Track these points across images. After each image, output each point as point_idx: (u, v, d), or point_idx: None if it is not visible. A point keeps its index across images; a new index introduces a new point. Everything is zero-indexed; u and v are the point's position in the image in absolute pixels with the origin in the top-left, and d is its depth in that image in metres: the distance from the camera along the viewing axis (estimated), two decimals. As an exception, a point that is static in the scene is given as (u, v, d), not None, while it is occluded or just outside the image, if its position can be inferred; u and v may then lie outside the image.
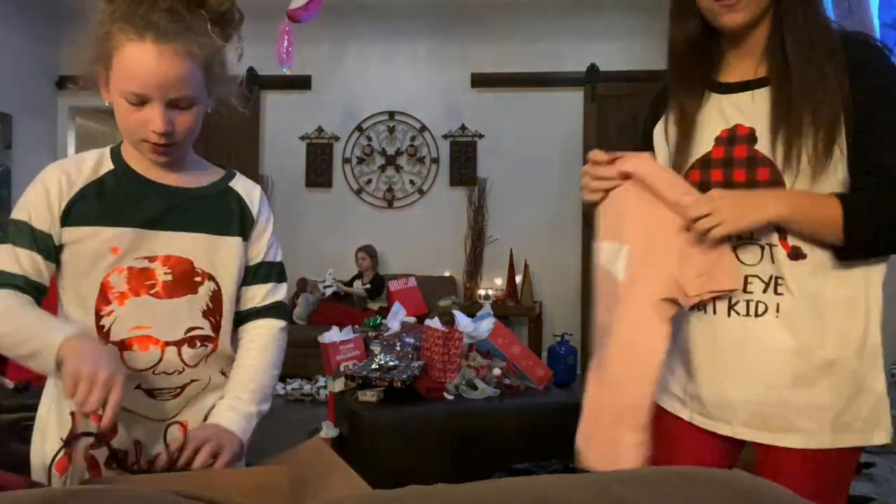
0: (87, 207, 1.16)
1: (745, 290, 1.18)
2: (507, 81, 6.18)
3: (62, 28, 6.37)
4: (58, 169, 1.18)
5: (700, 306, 1.21)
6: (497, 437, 2.84)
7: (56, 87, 6.42)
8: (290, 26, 4.60)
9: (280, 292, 1.31)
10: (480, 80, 6.23)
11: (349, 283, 5.93)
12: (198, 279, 1.21)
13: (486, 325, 3.28)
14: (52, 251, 1.16)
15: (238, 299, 1.28)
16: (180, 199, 1.21)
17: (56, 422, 1.20)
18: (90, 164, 1.19)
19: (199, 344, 1.21)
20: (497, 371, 3.08)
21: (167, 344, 1.18)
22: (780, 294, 1.16)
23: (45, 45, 6.29)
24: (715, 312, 1.21)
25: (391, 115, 6.37)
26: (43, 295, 1.17)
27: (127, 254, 1.16)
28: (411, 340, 3.12)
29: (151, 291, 1.17)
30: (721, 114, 1.21)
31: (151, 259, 1.17)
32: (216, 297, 1.22)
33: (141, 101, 1.10)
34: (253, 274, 1.28)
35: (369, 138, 6.39)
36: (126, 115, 1.12)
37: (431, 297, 5.68)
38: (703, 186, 1.18)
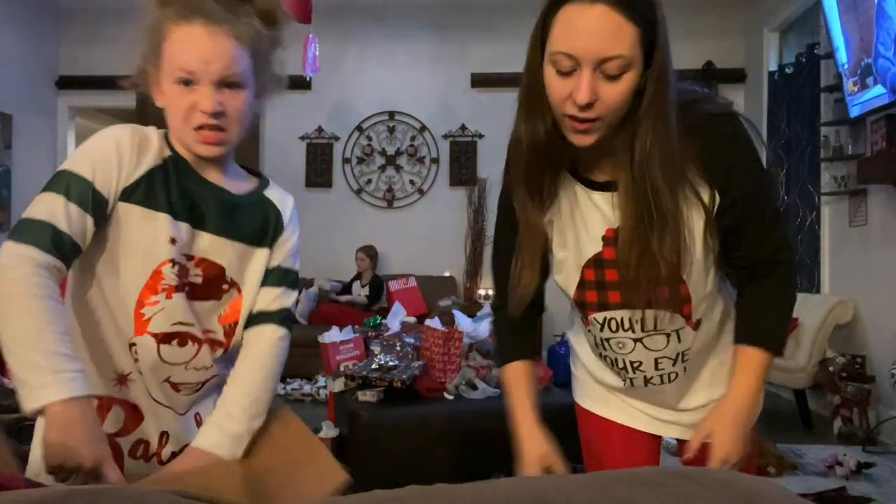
0: (154, 189, 1.13)
1: (656, 369, 1.27)
2: (507, 81, 6.17)
3: (62, 28, 6.37)
4: (131, 136, 1.13)
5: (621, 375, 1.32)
6: (497, 437, 2.82)
7: (56, 87, 6.43)
8: (313, 33, 4.61)
9: (288, 299, 1.28)
10: (480, 80, 6.23)
11: (348, 285, 5.93)
12: (225, 286, 1.20)
13: (486, 325, 3.27)
14: (101, 212, 1.09)
15: None
16: (226, 203, 1.19)
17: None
18: (156, 145, 1.15)
19: (216, 348, 1.21)
20: (497, 371, 3.08)
21: (203, 342, 1.19)
22: (687, 359, 1.27)
23: (45, 45, 6.29)
24: (633, 385, 1.31)
25: (391, 115, 6.37)
26: (72, 261, 1.08)
27: (180, 248, 1.13)
28: (411, 340, 3.12)
29: (185, 290, 1.16)
30: (599, 211, 1.19)
31: (189, 258, 1.16)
32: (235, 304, 1.22)
33: (190, 82, 1.09)
34: (267, 276, 1.25)
35: (369, 138, 6.39)
36: (177, 100, 1.10)
37: (431, 297, 5.68)
38: (600, 285, 1.21)
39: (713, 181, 1.14)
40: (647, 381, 1.29)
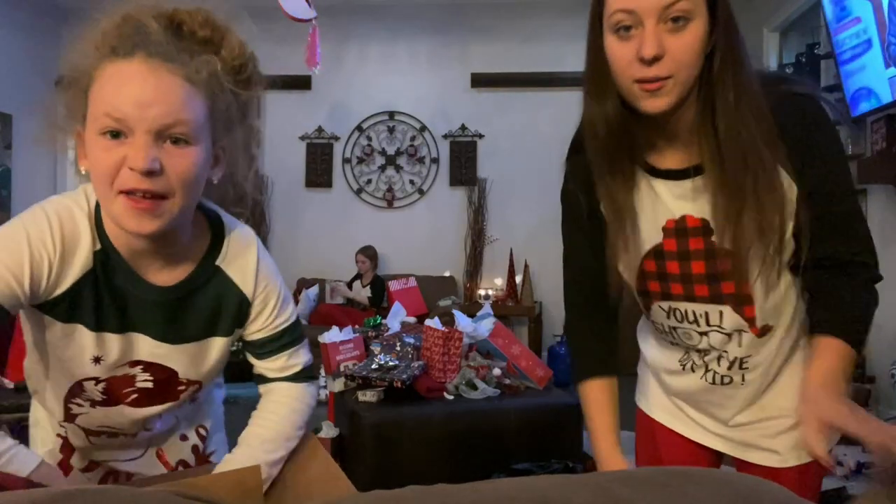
0: (79, 303, 0.96)
1: (717, 365, 1.20)
2: (507, 81, 6.18)
3: (62, 28, 6.37)
4: (54, 240, 0.93)
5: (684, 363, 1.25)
6: (497, 437, 2.84)
7: (56, 87, 6.42)
8: (317, 28, 4.61)
9: (301, 356, 1.13)
10: (480, 80, 6.23)
11: (349, 284, 5.93)
12: (181, 388, 1.08)
13: (486, 325, 3.27)
14: (13, 307, 0.92)
15: (252, 366, 1.14)
16: (168, 303, 1.00)
17: (48, 420, 1.16)
18: (86, 239, 0.95)
19: (166, 424, 1.16)
20: (497, 371, 3.08)
21: (135, 435, 1.13)
22: (746, 368, 1.19)
23: (45, 45, 6.29)
24: (693, 370, 1.23)
25: (391, 115, 6.37)
26: None
27: (108, 362, 1.01)
28: (411, 340, 3.12)
29: (128, 400, 1.05)
30: (662, 202, 1.13)
31: (133, 364, 1.02)
32: (196, 392, 1.12)
33: (119, 134, 0.86)
34: (259, 348, 1.11)
35: (369, 138, 6.39)
36: (100, 157, 0.86)
37: (431, 297, 5.68)
38: (661, 277, 1.16)
39: (793, 165, 1.05)
40: (706, 374, 1.21)
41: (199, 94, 0.88)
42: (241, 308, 1.05)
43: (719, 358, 1.19)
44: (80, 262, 0.94)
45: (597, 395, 1.23)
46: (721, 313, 1.14)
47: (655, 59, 0.97)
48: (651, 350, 1.32)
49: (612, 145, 1.10)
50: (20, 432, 2.22)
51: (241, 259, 1.05)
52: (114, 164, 0.86)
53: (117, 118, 0.85)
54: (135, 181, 0.85)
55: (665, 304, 1.18)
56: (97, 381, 1.01)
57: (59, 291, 0.93)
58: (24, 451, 0.94)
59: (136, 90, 0.84)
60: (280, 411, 1.10)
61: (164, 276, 1.00)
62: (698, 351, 1.20)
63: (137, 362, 1.02)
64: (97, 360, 0.99)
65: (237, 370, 1.33)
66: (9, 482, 0.89)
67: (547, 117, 6.14)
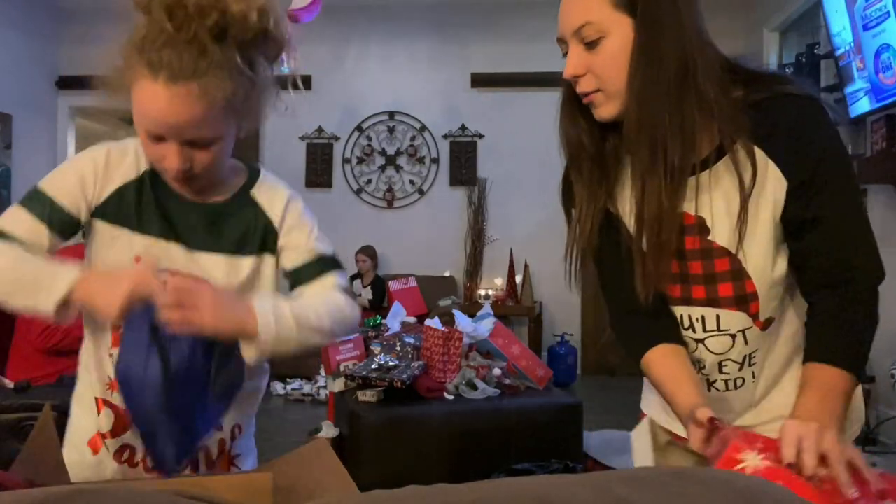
0: (119, 206, 1.11)
1: (720, 372, 1.16)
2: (507, 81, 6.18)
3: (62, 28, 6.37)
4: (103, 154, 1.12)
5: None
6: (497, 437, 2.84)
7: (56, 87, 6.43)
8: (293, 28, 4.59)
9: (343, 280, 1.20)
10: (480, 80, 6.23)
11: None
12: None
13: (486, 325, 3.28)
14: (66, 228, 1.09)
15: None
16: (204, 215, 1.15)
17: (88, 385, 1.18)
18: (131, 158, 1.13)
19: None
20: (497, 371, 3.08)
21: None
22: (755, 363, 1.15)
23: (45, 45, 6.29)
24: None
25: (391, 115, 6.37)
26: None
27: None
28: (411, 340, 3.12)
29: None
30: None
31: (173, 273, 1.10)
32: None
33: (157, 137, 1.04)
34: (297, 275, 1.19)
35: (369, 138, 6.39)
36: (147, 147, 1.07)
37: (431, 297, 5.67)
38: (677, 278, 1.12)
39: (781, 160, 1.02)
40: (710, 384, 1.17)
41: (216, 105, 1.01)
42: (266, 231, 1.18)
43: (720, 365, 1.15)
44: (126, 171, 1.12)
45: (662, 366, 1.11)
46: (718, 317, 1.11)
47: (578, 78, 1.06)
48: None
49: (589, 160, 1.15)
50: (20, 432, 2.22)
51: (273, 192, 1.20)
52: (157, 157, 1.06)
53: (152, 130, 1.03)
54: (173, 172, 1.06)
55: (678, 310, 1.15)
56: None
57: (107, 193, 1.11)
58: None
59: (163, 113, 1.00)
60: (315, 295, 1.16)
61: (203, 197, 1.16)
62: (696, 363, 1.16)
63: (176, 272, 1.10)
64: (138, 259, 1.11)
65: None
66: (9, 482, 0.89)
67: (547, 117, 6.10)
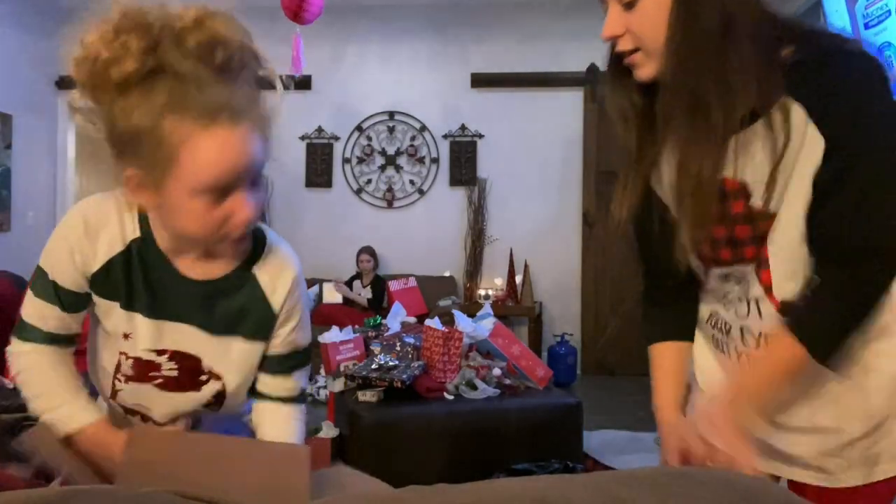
0: (112, 279, 1.08)
1: (742, 342, 1.12)
2: (507, 81, 6.18)
3: (62, 28, 6.36)
4: (82, 228, 1.06)
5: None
6: (497, 437, 2.84)
7: (56, 87, 6.42)
8: (300, 36, 4.61)
9: (299, 380, 1.20)
10: (480, 80, 6.23)
11: (349, 283, 5.93)
12: (203, 378, 1.14)
13: (486, 325, 3.27)
14: (79, 304, 1.11)
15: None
16: (200, 293, 1.10)
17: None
18: (115, 227, 1.07)
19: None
20: (497, 371, 3.08)
21: (164, 424, 1.18)
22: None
23: (45, 45, 6.29)
24: (727, 352, 1.17)
25: (391, 115, 6.37)
26: (75, 340, 1.15)
27: (137, 342, 1.11)
28: (411, 340, 3.12)
29: (155, 383, 1.13)
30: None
31: (160, 352, 1.12)
32: (220, 395, 1.16)
33: (223, 194, 0.95)
34: (275, 364, 1.18)
35: (369, 138, 6.39)
36: (203, 214, 0.96)
37: (431, 297, 5.68)
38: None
39: (819, 119, 0.95)
40: (730, 351, 1.15)
41: (262, 136, 0.99)
42: (265, 316, 1.13)
43: (742, 332, 1.11)
44: (111, 242, 1.06)
45: (662, 359, 1.22)
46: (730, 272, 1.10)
47: (616, 38, 1.06)
48: (704, 362, 1.23)
49: (646, 118, 1.12)
50: (20, 432, 2.22)
51: (277, 272, 1.13)
52: (219, 221, 0.97)
53: (223, 181, 0.94)
54: (241, 230, 0.99)
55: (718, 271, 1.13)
56: (127, 356, 1.12)
57: (94, 268, 1.06)
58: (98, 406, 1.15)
59: (234, 158, 0.94)
60: (287, 434, 1.17)
61: (199, 271, 1.09)
62: (725, 325, 1.14)
63: (164, 351, 1.11)
64: (126, 336, 1.10)
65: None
66: (9, 482, 0.89)
67: (547, 117, 6.14)
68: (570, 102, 6.12)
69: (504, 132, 6.20)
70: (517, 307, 5.78)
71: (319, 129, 6.38)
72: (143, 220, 1.08)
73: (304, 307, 1.16)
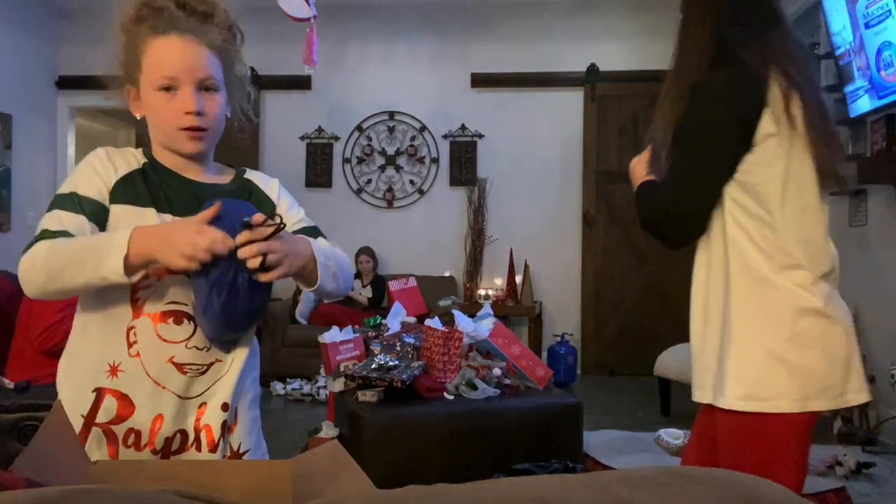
0: (133, 189, 1.23)
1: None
2: (507, 81, 6.18)
3: (62, 28, 6.37)
4: (103, 152, 1.25)
5: None
6: (497, 437, 2.84)
7: (56, 87, 6.43)
8: (314, 28, 4.60)
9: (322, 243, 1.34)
10: (480, 80, 6.23)
11: (349, 284, 5.92)
12: None
13: (486, 325, 3.27)
14: (98, 215, 1.20)
15: None
16: (208, 193, 1.26)
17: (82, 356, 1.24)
18: (131, 155, 1.28)
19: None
20: (497, 371, 3.08)
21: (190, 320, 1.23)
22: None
23: (45, 45, 6.29)
24: None
25: (391, 115, 6.37)
26: None
27: None
28: (411, 340, 3.12)
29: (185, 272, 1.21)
30: None
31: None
32: None
33: (171, 88, 1.20)
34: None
35: (369, 138, 6.39)
36: (161, 107, 1.22)
37: (431, 297, 5.67)
38: None
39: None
40: None
41: (215, 55, 1.24)
42: (268, 205, 1.35)
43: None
44: (127, 163, 1.25)
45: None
46: None
47: None
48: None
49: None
50: (20, 432, 2.22)
51: (265, 179, 1.40)
52: (172, 113, 1.22)
53: (171, 77, 1.20)
54: (189, 121, 1.22)
55: None
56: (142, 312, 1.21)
57: (115, 179, 1.23)
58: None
59: (179, 57, 1.21)
60: (329, 247, 1.33)
61: (207, 179, 1.30)
62: None
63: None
64: None
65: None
66: (9, 482, 0.89)
67: (547, 117, 6.14)
68: (570, 102, 6.12)
69: (504, 132, 6.20)
70: (517, 307, 5.78)
71: (319, 129, 6.39)
72: (147, 155, 1.28)
73: (295, 203, 1.41)
